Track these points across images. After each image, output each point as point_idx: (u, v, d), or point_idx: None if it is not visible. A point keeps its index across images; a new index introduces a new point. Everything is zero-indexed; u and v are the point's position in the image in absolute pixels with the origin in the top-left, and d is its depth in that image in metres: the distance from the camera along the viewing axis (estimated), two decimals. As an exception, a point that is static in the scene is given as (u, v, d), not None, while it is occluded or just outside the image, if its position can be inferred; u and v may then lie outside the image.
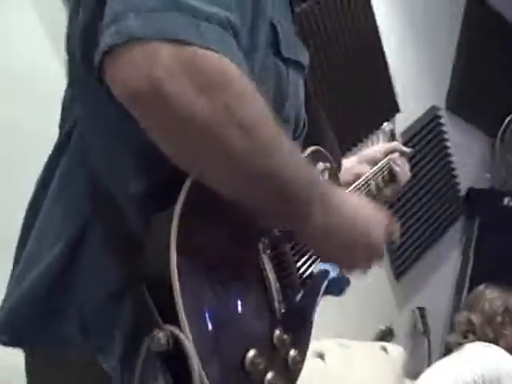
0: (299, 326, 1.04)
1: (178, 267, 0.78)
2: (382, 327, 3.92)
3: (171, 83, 0.75)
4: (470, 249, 4.56)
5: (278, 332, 0.93)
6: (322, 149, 1.22)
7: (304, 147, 1.18)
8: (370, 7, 3.69)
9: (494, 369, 2.63)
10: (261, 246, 0.94)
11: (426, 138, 4.19)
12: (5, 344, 0.94)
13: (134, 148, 0.88)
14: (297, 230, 0.93)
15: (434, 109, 4.26)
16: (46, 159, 1.00)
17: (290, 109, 1.03)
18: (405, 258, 4.10)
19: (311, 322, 1.09)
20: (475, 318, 2.95)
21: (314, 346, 3.07)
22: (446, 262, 4.54)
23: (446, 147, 4.36)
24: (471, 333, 2.93)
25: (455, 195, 4.50)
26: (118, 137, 0.89)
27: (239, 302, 0.88)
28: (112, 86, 0.78)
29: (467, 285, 4.46)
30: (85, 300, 0.88)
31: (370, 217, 1.00)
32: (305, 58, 1.09)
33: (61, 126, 1.01)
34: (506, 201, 4.48)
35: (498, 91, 4.66)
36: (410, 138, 4.06)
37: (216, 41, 0.79)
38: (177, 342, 0.76)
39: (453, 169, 4.44)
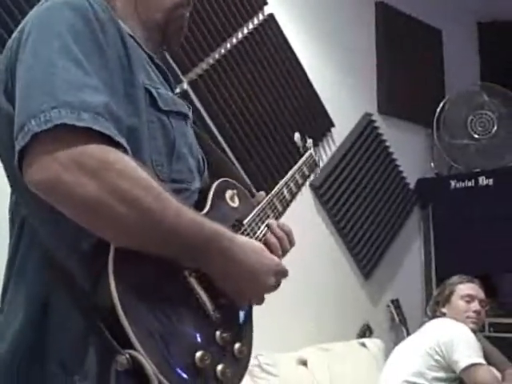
0: (237, 323, 1.26)
1: (120, 303, 1.00)
2: (360, 325, 4.16)
3: (66, 175, 0.99)
4: (429, 235, 4.79)
5: (218, 333, 1.16)
6: (227, 178, 1.42)
7: (212, 179, 1.40)
8: (282, 35, 3.94)
9: (447, 334, 2.97)
10: (186, 272, 1.15)
11: (365, 143, 4.45)
12: None
13: (69, 225, 1.07)
14: (199, 268, 1.16)
15: (367, 115, 4.53)
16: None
17: (181, 149, 1.27)
18: (369, 258, 4.35)
19: (249, 316, 1.31)
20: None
21: (296, 354, 3.33)
22: (410, 253, 4.78)
23: (386, 147, 4.62)
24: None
25: (406, 189, 4.75)
26: (53, 220, 1.09)
27: (177, 318, 1.09)
28: (27, 183, 1.03)
29: (434, 270, 4.71)
30: (59, 345, 1.07)
31: (259, 263, 1.22)
32: (184, 108, 1.33)
33: (12, 226, 1.23)
34: (453, 184, 4.72)
35: (423, 85, 4.95)
36: (349, 146, 4.33)
37: (93, 124, 1.01)
38: (136, 361, 0.99)
39: (398, 165, 4.70)
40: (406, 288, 4.59)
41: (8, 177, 1.22)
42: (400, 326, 4.28)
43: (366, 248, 4.33)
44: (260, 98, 3.76)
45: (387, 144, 4.63)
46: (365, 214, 4.36)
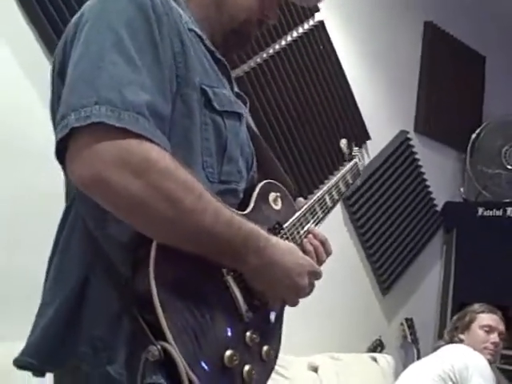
0: (267, 327, 1.27)
1: (158, 296, 1.01)
2: (373, 340, 4.16)
3: (109, 173, 1.00)
4: (450, 259, 4.79)
5: (248, 334, 1.17)
6: (272, 180, 1.43)
7: (258, 178, 1.41)
8: (330, 43, 3.98)
9: (463, 361, 2.96)
10: (224, 271, 1.16)
11: (398, 160, 4.47)
12: (32, 366, 1.15)
13: (109, 212, 1.07)
14: (236, 268, 1.18)
15: (403, 133, 4.54)
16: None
17: (232, 151, 1.27)
18: (389, 274, 4.36)
19: (279, 321, 1.33)
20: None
21: (308, 360, 3.34)
22: (430, 274, 4.78)
23: (419, 167, 4.63)
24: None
25: (432, 210, 4.76)
26: (98, 207, 1.07)
27: (211, 316, 1.11)
28: (70, 176, 1.05)
29: (451, 294, 4.71)
30: (93, 326, 1.10)
31: (295, 263, 1.23)
32: (240, 107, 1.33)
33: (66, 196, 1.27)
34: (480, 211, 4.71)
35: (461, 109, 4.96)
36: (382, 161, 4.34)
37: (132, 125, 1.01)
38: (167, 353, 1.02)
39: (427, 186, 4.70)
40: (421, 308, 4.60)
41: None
42: (411, 345, 4.28)
43: (388, 263, 4.35)
44: (301, 102, 3.79)
45: (420, 163, 4.64)
46: (390, 229, 4.37)
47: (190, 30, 1.23)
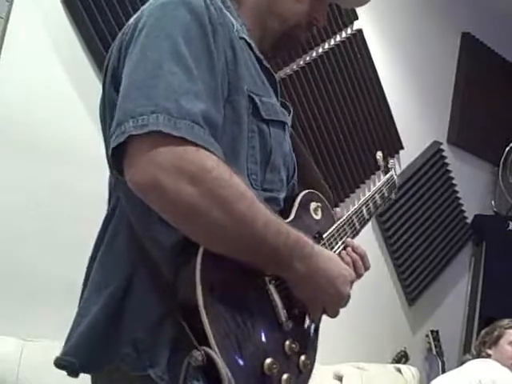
0: (305, 337, 1.28)
1: (204, 303, 1.02)
2: (398, 351, 4.15)
3: (166, 180, 1.01)
4: (479, 272, 4.75)
5: (287, 343, 1.18)
6: (313, 190, 1.44)
7: (299, 187, 1.42)
8: (368, 52, 3.99)
9: (490, 376, 2.94)
10: (267, 279, 1.18)
11: (430, 170, 4.45)
12: (74, 366, 1.15)
13: (157, 216, 1.09)
14: (280, 275, 1.19)
15: (436, 143, 4.52)
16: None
17: (276, 159, 1.28)
18: (417, 285, 4.34)
19: (316, 332, 1.33)
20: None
21: (333, 369, 3.35)
22: (457, 286, 4.74)
23: (450, 178, 4.61)
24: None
25: (462, 222, 4.73)
26: (142, 208, 1.10)
27: (252, 323, 1.12)
28: (127, 182, 1.06)
29: (478, 307, 4.67)
30: (135, 328, 1.10)
31: (338, 272, 1.24)
32: (285, 117, 1.34)
33: (108, 203, 1.28)
34: (511, 225, 4.67)
35: (495, 122, 4.91)
36: (414, 171, 4.33)
37: (188, 133, 1.03)
38: (209, 358, 1.02)
39: (458, 198, 4.68)
40: (447, 321, 4.56)
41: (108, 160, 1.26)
42: (436, 358, 4.25)
43: (415, 275, 4.33)
44: (336, 110, 3.80)
45: (451, 175, 4.62)
46: (419, 240, 4.35)
47: (241, 38, 1.25)
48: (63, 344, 1.20)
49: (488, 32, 4.85)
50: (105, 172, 1.27)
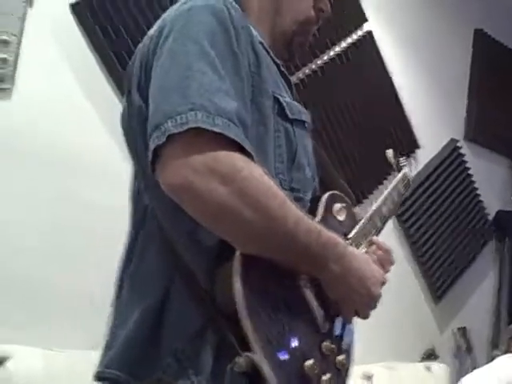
0: (341, 337, 1.25)
1: (245, 308, 1.01)
2: (425, 349, 4.13)
3: (198, 180, 1.02)
4: (504, 268, 4.73)
5: (325, 343, 1.16)
6: (336, 192, 1.42)
7: (321, 188, 1.41)
8: (378, 53, 4.01)
9: None
10: (301, 280, 1.16)
11: (448, 169, 4.44)
12: (119, 378, 1.14)
13: (191, 221, 1.08)
14: (315, 276, 1.18)
15: (452, 141, 4.51)
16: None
17: (301, 158, 1.29)
18: (442, 282, 4.33)
19: (352, 332, 1.31)
20: None
21: (362, 369, 3.35)
22: (483, 283, 4.72)
23: (469, 175, 4.60)
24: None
25: (484, 219, 4.71)
26: (175, 214, 1.10)
27: (290, 325, 1.11)
28: (160, 184, 1.07)
29: (505, 303, 4.64)
30: (176, 338, 1.09)
31: (370, 272, 1.23)
32: (306, 116, 1.36)
33: (133, 215, 1.28)
34: (533, 220, 4.65)
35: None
36: (432, 170, 4.32)
37: (226, 130, 1.04)
38: (253, 364, 1.02)
39: (478, 195, 4.66)
40: (474, 317, 4.53)
41: (135, 167, 1.27)
42: (465, 355, 4.23)
43: (439, 272, 4.32)
44: (350, 112, 3.82)
45: (470, 172, 4.61)
46: (442, 238, 4.34)
47: (260, 42, 1.27)
48: (100, 356, 1.20)
49: (501, 28, 4.85)
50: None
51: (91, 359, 1.24)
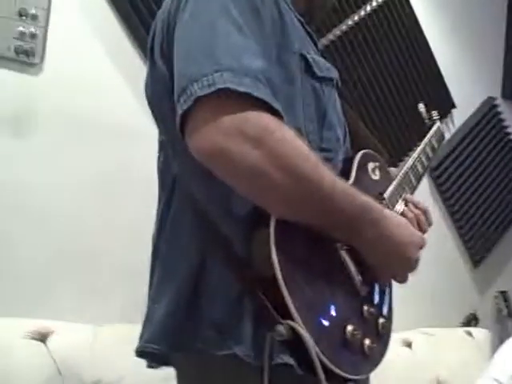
0: (380, 300, 1.24)
1: (282, 275, 0.99)
2: (466, 314, 4.05)
3: (231, 144, 0.99)
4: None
5: (365, 307, 1.15)
6: (369, 150, 1.40)
7: (353, 148, 1.38)
8: (412, 10, 3.88)
9: None
10: (338, 245, 1.14)
11: (485, 128, 4.30)
12: (159, 353, 1.16)
13: (224, 188, 1.06)
14: (350, 241, 1.14)
15: (490, 99, 4.37)
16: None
17: (331, 117, 1.26)
18: (480, 246, 4.23)
19: (391, 295, 1.30)
20: None
21: (400, 335, 3.29)
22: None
23: (508, 134, 4.45)
24: None
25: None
26: (208, 181, 1.08)
27: (329, 291, 1.09)
28: (190, 149, 1.04)
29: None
30: (214, 309, 1.09)
31: (408, 237, 1.19)
32: (334, 73, 1.32)
33: (162, 187, 1.25)
34: None
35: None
36: (469, 130, 4.20)
37: (254, 89, 1.01)
38: (294, 331, 0.99)
39: (517, 154, 4.53)
40: (515, 280, 4.44)
41: (162, 136, 1.25)
42: (507, 319, 4.15)
43: (478, 235, 4.21)
44: (383, 73, 3.72)
45: (509, 130, 4.47)
46: (479, 200, 4.24)
47: (284, 1, 1.23)
48: (140, 330, 1.21)
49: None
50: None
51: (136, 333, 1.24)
